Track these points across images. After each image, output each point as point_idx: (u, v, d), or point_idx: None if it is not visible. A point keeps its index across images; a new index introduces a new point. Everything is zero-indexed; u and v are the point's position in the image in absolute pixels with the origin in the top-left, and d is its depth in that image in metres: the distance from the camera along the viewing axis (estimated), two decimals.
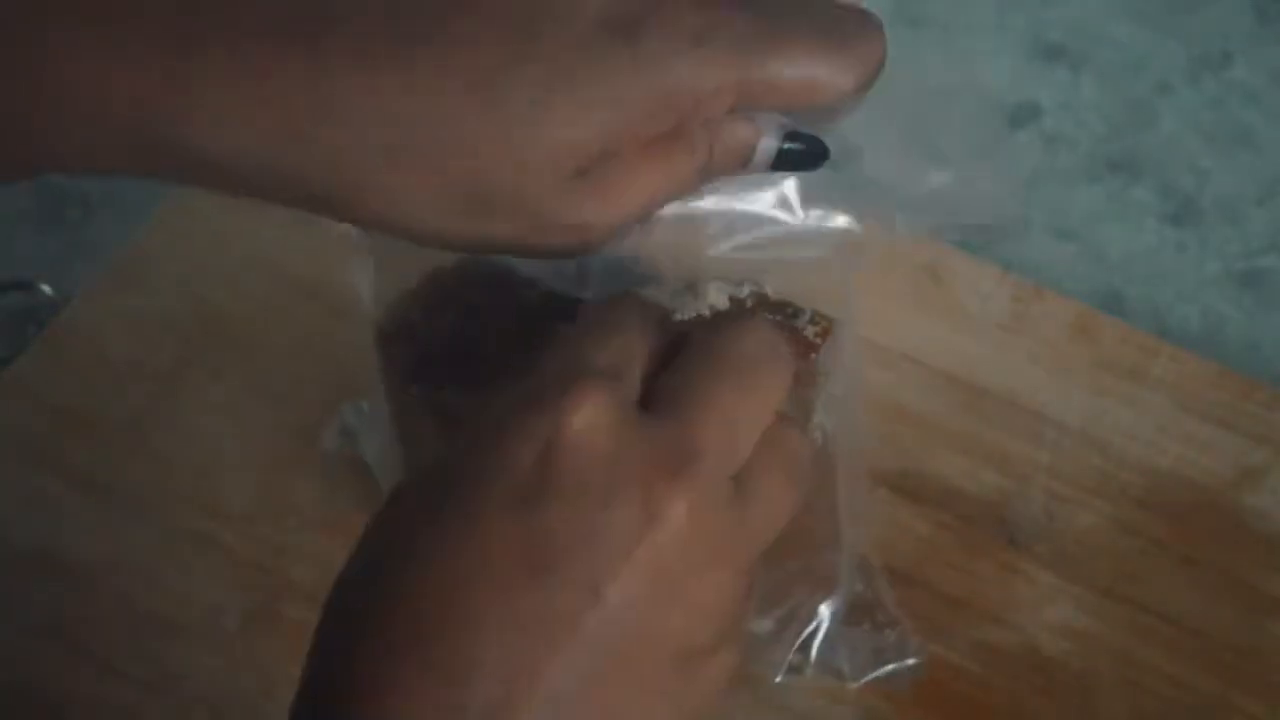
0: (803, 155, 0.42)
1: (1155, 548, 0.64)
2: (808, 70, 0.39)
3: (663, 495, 0.36)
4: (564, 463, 0.36)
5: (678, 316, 0.45)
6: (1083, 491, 0.65)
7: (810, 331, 0.46)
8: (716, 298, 0.45)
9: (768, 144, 0.41)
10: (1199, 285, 0.74)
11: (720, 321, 0.41)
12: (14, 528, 0.64)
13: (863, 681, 0.59)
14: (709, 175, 0.41)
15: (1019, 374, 0.68)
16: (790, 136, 0.41)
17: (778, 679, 0.59)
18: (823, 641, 0.58)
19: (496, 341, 0.48)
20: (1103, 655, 0.62)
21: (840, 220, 0.43)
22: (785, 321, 0.46)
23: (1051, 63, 0.80)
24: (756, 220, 0.43)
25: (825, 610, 0.58)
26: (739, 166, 0.41)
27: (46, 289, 0.76)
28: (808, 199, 0.43)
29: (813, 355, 0.46)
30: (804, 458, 0.41)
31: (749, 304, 0.46)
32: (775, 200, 0.43)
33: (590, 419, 0.36)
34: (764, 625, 0.56)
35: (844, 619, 0.58)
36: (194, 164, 0.38)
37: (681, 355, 0.40)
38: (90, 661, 0.61)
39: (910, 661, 0.60)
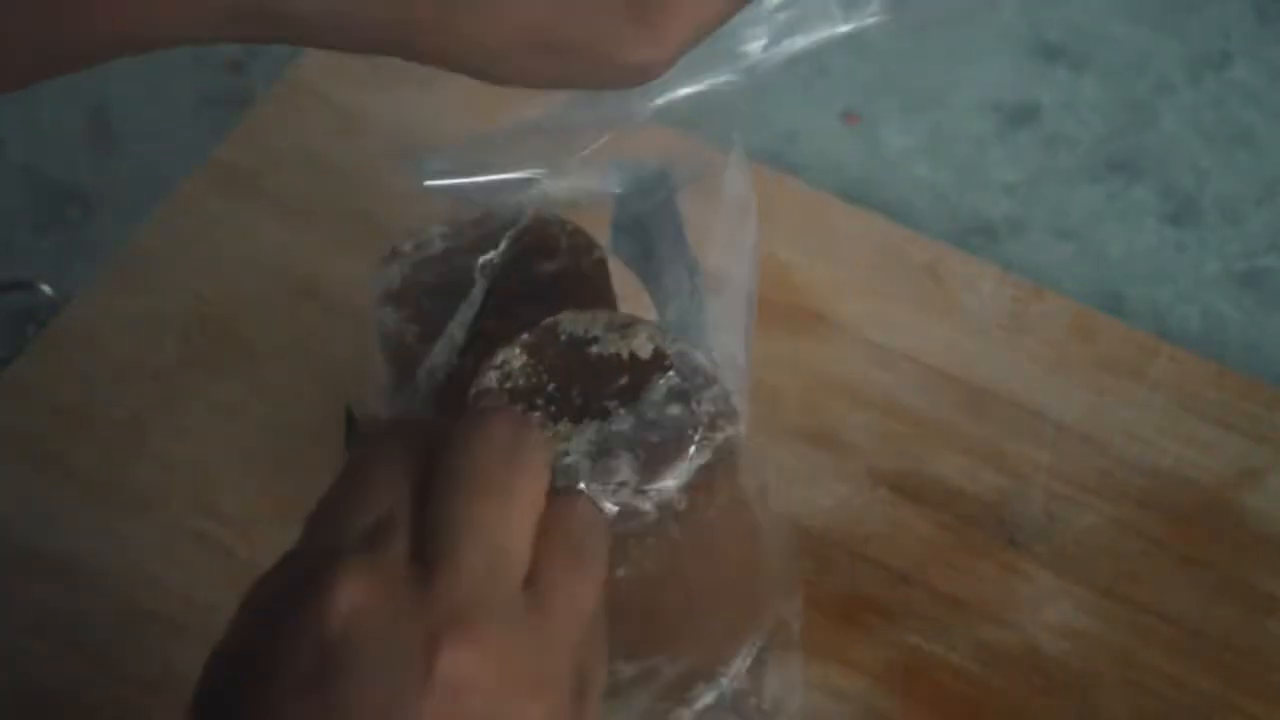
0: None
1: (1155, 548, 0.64)
2: None
3: (445, 653, 0.36)
4: (339, 648, 0.36)
5: (596, 349, 0.46)
6: (1083, 491, 0.65)
7: (704, 409, 0.45)
8: (641, 345, 0.46)
9: None
10: (1199, 285, 0.74)
11: (465, 425, 0.41)
12: (14, 528, 0.64)
13: None
14: None
15: (1019, 374, 0.68)
16: None
17: None
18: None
19: (482, 308, 0.49)
20: (1103, 655, 0.62)
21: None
22: (687, 389, 0.46)
23: (1051, 63, 0.81)
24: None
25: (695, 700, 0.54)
26: None
27: (46, 289, 0.76)
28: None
29: (692, 434, 0.45)
30: (588, 526, 0.41)
31: (667, 363, 0.46)
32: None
33: (354, 600, 0.37)
34: (625, 671, 0.52)
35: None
36: (284, 25, 0.40)
37: (432, 481, 0.39)
38: (90, 661, 0.61)
39: None
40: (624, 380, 0.45)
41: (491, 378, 0.45)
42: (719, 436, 0.45)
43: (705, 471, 0.45)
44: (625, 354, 0.46)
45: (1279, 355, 0.72)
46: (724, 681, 0.51)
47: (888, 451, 0.66)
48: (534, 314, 0.47)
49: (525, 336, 0.46)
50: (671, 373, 0.45)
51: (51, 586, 0.63)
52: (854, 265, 0.71)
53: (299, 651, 0.37)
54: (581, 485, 0.43)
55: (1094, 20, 0.82)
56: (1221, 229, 0.76)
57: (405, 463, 0.40)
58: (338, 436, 0.66)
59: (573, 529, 0.40)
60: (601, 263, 0.52)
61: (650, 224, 0.49)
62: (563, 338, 0.46)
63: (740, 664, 0.52)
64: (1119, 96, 0.80)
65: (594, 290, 0.52)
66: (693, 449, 0.44)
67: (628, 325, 0.46)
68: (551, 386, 0.45)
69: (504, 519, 0.39)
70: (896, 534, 0.64)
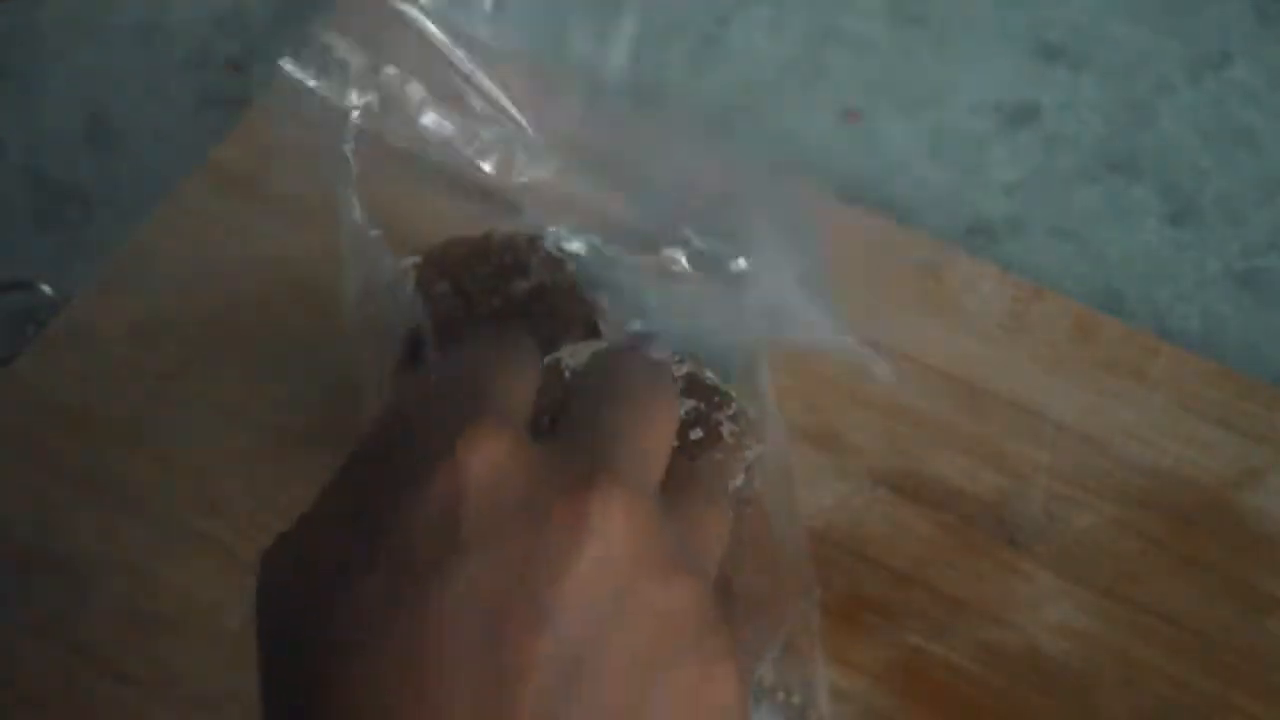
0: None
1: (1155, 548, 0.64)
2: None
3: (595, 502, 0.35)
4: (477, 508, 0.35)
5: None
6: (1083, 491, 0.65)
7: (726, 429, 0.45)
8: None
9: None
10: (1199, 285, 0.74)
11: (600, 359, 0.40)
12: (14, 528, 0.64)
13: None
14: None
15: (1019, 374, 0.68)
16: None
17: None
18: None
19: (439, 330, 0.49)
20: (1103, 655, 0.62)
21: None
22: (705, 411, 0.45)
23: (1051, 63, 0.80)
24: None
25: None
26: None
27: (46, 289, 0.76)
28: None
29: (716, 453, 0.45)
30: (716, 470, 0.40)
31: (680, 384, 0.45)
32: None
33: (493, 456, 0.35)
34: None
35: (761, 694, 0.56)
36: None
37: (572, 395, 0.39)
38: (90, 661, 0.61)
39: None
40: None
41: None
42: (749, 455, 0.44)
43: (739, 492, 0.44)
44: None
45: (1279, 355, 0.72)
46: (757, 680, 0.51)
47: (888, 451, 0.66)
48: (519, 331, 0.47)
49: None
50: (685, 398, 0.45)
51: (51, 586, 0.63)
52: (854, 265, 0.71)
53: (432, 522, 0.35)
54: None
55: (1094, 20, 0.82)
56: (1221, 229, 0.76)
57: (530, 364, 0.39)
58: (337, 437, 0.66)
59: (700, 471, 0.39)
60: (572, 274, 0.52)
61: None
62: (566, 374, 0.45)
63: (768, 661, 0.52)
64: (1119, 96, 0.80)
65: (570, 303, 0.52)
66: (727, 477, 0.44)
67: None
68: None
69: (648, 427, 0.38)
70: (896, 534, 0.64)
